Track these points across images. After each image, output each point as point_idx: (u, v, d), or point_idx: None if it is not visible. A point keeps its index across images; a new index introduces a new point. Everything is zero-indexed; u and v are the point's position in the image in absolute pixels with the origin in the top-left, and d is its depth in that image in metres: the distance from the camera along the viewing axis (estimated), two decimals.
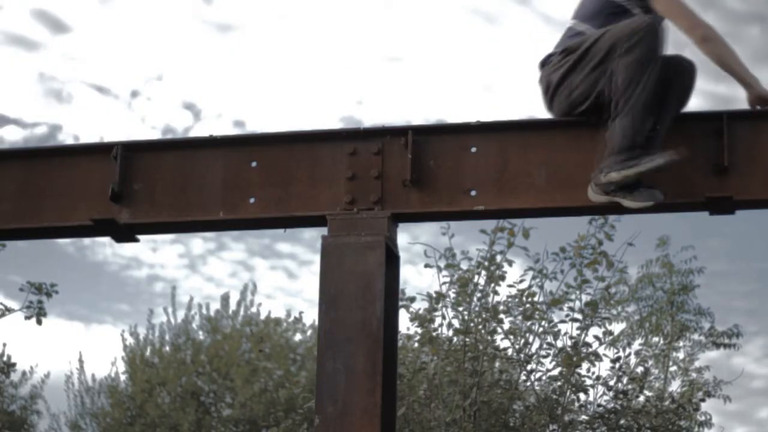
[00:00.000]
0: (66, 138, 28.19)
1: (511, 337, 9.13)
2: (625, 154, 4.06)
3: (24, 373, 16.28)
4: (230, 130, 15.14)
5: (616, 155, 4.08)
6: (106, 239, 4.77)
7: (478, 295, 9.00)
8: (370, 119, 29.41)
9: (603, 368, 9.45)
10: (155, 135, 28.40)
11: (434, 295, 8.92)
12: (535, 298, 9.06)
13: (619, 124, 4.10)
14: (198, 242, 23.40)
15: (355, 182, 4.38)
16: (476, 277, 8.96)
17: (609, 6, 4.38)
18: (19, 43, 29.48)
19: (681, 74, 4.25)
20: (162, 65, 30.55)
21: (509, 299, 9.10)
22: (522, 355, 9.12)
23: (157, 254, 24.75)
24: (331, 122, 27.59)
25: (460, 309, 8.96)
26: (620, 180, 4.06)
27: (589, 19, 4.40)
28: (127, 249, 24.27)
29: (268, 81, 28.51)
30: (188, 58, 29.09)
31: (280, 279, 25.54)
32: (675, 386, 11.50)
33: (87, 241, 21.05)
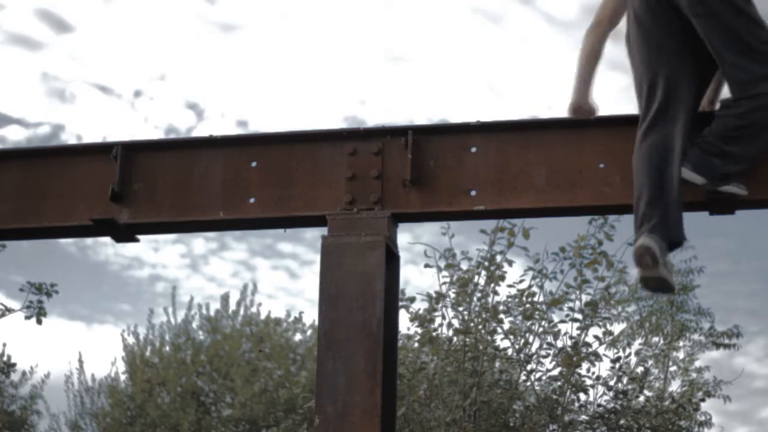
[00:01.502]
0: (69, 138, 28.24)
1: (511, 337, 9.13)
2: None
3: (24, 373, 16.29)
4: (233, 130, 15.15)
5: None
6: (108, 239, 4.77)
7: (478, 295, 9.00)
8: (373, 119, 29.46)
9: (603, 368, 9.46)
10: (158, 135, 28.45)
11: (434, 295, 8.92)
12: (535, 298, 9.06)
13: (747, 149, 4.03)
14: (200, 242, 23.42)
15: (355, 182, 4.38)
16: (476, 277, 8.96)
17: None
18: (23, 43, 29.50)
19: None
20: (165, 65, 30.57)
21: (509, 299, 9.10)
22: (522, 355, 9.12)
23: (159, 254, 24.77)
24: (334, 122, 27.58)
25: (460, 309, 8.96)
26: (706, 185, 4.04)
27: None
28: (128, 249, 24.30)
29: (272, 81, 28.53)
30: (191, 57, 29.11)
31: (282, 279, 25.56)
32: (675, 386, 11.49)
33: (89, 240, 21.07)
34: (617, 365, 9.53)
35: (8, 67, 28.42)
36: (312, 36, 28.75)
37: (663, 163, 4.01)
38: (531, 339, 9.12)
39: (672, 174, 4.01)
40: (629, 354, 9.88)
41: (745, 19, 4.02)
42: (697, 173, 4.02)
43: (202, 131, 22.75)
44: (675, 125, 4.07)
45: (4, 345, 14.47)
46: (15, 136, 27.27)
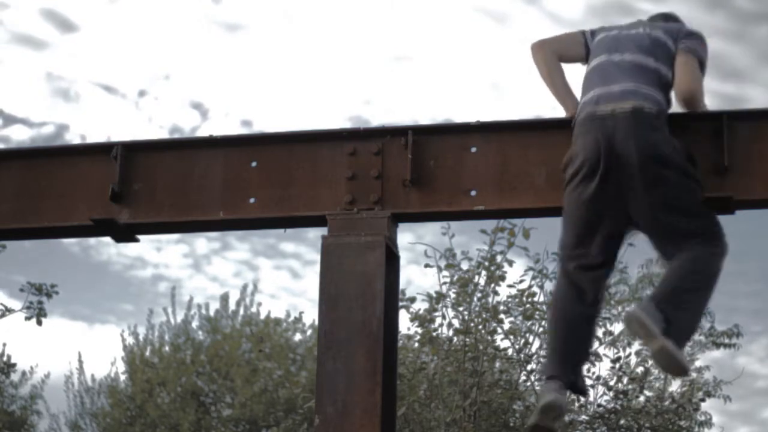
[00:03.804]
0: (73, 137, 28.14)
1: (511, 337, 9.13)
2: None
3: (24, 373, 16.28)
4: (238, 130, 15.13)
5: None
6: (110, 239, 4.77)
7: (478, 295, 9.01)
8: (377, 119, 29.38)
9: (603, 368, 9.47)
10: (162, 134, 28.35)
11: (434, 295, 8.93)
12: (535, 298, 9.06)
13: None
14: (202, 242, 23.39)
15: (355, 182, 4.38)
16: (476, 277, 8.97)
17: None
18: (27, 43, 29.47)
19: None
20: (169, 65, 30.53)
21: (509, 299, 9.11)
22: (522, 355, 9.13)
23: (162, 254, 24.74)
24: (338, 122, 27.52)
25: (460, 309, 8.97)
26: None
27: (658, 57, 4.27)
28: (131, 249, 24.27)
29: (276, 80, 28.50)
30: (196, 57, 29.07)
31: (285, 279, 25.55)
32: (675, 386, 11.50)
33: (92, 240, 21.04)
34: (617, 365, 9.54)
35: (13, 67, 28.41)
36: (316, 36, 28.73)
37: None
38: (531, 339, 9.13)
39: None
40: (629, 354, 9.88)
41: (692, 182, 4.07)
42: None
43: (206, 131, 22.66)
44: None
45: (4, 345, 14.48)
46: (19, 136, 27.26)
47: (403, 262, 4.42)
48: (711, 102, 4.31)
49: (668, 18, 4.55)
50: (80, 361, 18.01)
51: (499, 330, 9.10)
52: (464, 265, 8.97)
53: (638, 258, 13.54)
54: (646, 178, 4.01)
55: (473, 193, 4.34)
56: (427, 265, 8.86)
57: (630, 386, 9.69)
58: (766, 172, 4.17)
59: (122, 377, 17.47)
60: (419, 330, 9.13)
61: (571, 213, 4.19)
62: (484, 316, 9.00)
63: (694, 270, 4.02)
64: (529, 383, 9.23)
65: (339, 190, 4.39)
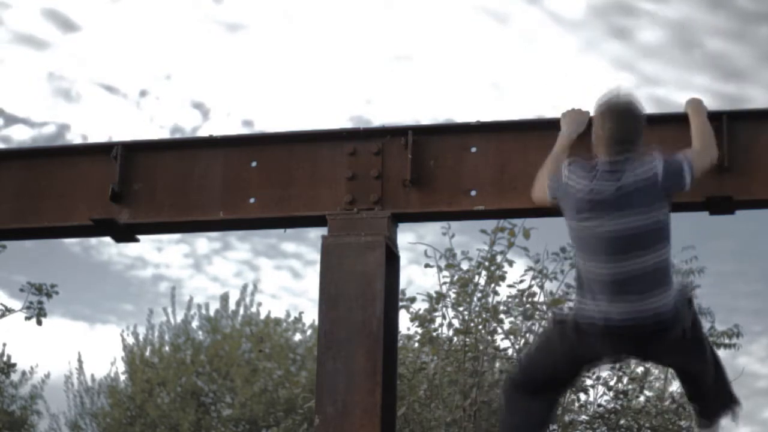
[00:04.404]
0: (74, 137, 28.09)
1: (511, 337, 9.13)
2: None
3: (24, 373, 16.29)
4: (239, 130, 15.08)
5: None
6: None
7: (478, 295, 9.01)
8: (378, 118, 29.34)
9: (603, 368, 9.46)
10: (164, 134, 28.29)
11: (434, 295, 8.93)
12: (536, 298, 9.06)
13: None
14: (203, 242, 23.36)
15: (355, 182, 4.38)
16: (476, 277, 8.97)
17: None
18: (29, 43, 29.45)
19: None
20: (171, 64, 30.47)
21: (509, 299, 9.11)
22: (522, 356, 9.11)
23: (162, 254, 24.70)
24: (340, 122, 27.47)
25: (461, 309, 8.97)
26: None
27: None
28: (132, 249, 24.24)
29: (277, 80, 28.47)
30: (197, 57, 29.02)
31: (286, 279, 25.52)
32: (675, 386, 11.50)
33: (93, 240, 21.00)
34: (617, 365, 9.53)
35: (14, 67, 28.39)
36: (317, 35, 28.71)
37: None
38: (531, 339, 9.12)
39: None
40: None
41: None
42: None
43: (207, 131, 22.60)
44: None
45: (4, 345, 14.49)
46: (20, 136, 27.23)
47: (403, 262, 4.43)
48: (711, 102, 4.30)
49: (625, 139, 3.95)
50: (80, 361, 18.02)
51: (499, 330, 9.10)
52: (464, 265, 8.97)
53: None
54: (659, 354, 4.08)
55: (473, 193, 4.34)
56: (427, 265, 8.86)
57: (630, 386, 9.69)
58: (766, 172, 4.17)
59: (122, 377, 17.48)
60: (419, 330, 9.13)
61: (552, 346, 4.11)
62: (484, 316, 9.00)
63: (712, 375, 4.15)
64: None
65: (339, 190, 4.39)
